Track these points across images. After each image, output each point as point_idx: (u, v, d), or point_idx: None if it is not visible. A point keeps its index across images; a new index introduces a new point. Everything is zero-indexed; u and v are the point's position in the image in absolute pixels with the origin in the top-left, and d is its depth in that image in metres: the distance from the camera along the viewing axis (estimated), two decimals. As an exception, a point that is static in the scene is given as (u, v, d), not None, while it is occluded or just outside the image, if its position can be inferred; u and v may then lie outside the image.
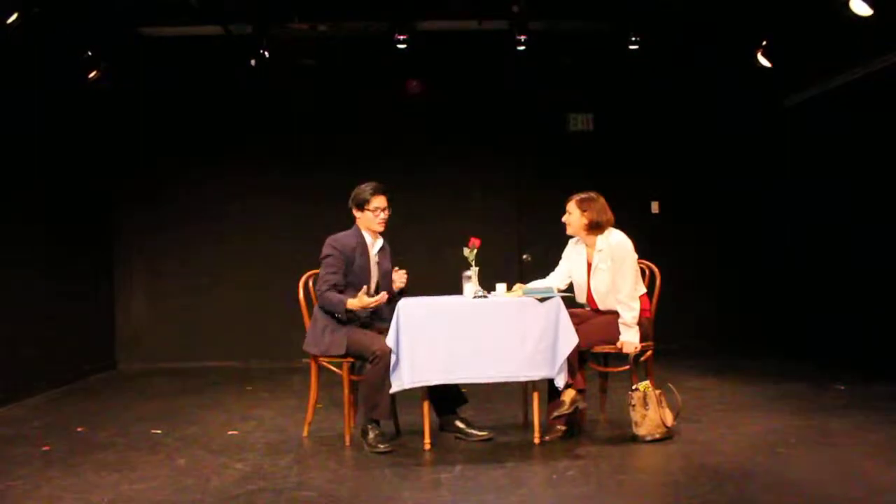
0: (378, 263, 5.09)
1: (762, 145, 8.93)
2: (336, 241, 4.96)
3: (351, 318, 4.91)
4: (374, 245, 5.08)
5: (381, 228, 5.05)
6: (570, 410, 4.78)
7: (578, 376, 4.84)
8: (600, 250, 5.04)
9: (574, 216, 5.10)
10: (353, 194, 5.05)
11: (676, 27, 7.96)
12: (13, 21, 6.06)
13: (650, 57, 8.27)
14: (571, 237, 5.24)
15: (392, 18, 7.69)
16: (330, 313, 4.91)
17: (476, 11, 7.92)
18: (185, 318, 8.70)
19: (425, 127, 8.81)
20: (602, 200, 5.10)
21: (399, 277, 5.10)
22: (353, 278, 4.94)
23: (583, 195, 5.12)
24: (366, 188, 5.02)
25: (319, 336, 4.93)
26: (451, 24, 8.21)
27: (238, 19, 7.69)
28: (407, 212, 8.62)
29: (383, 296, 4.82)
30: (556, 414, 4.79)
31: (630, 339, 4.93)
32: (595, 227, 5.06)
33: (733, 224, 8.96)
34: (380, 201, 4.99)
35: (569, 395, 4.77)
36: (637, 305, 4.97)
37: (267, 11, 7.58)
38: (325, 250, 4.94)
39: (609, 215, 5.09)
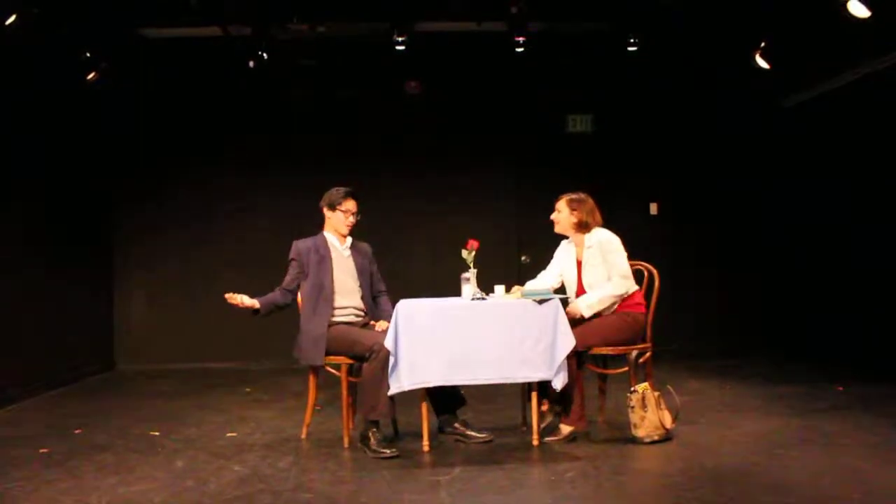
0: (351, 259, 5.21)
1: (762, 145, 8.92)
2: (296, 244, 5.20)
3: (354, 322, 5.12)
4: (343, 245, 5.22)
5: (346, 231, 5.20)
6: (547, 422, 4.92)
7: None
8: (589, 247, 5.09)
9: (563, 214, 5.15)
10: (325, 196, 5.24)
11: (676, 27, 7.94)
12: (12, 22, 6.06)
13: (650, 57, 8.26)
14: (564, 237, 5.27)
15: (391, 19, 7.68)
16: (311, 321, 5.04)
17: (475, 12, 7.91)
18: (183, 319, 8.70)
19: (424, 128, 8.81)
20: (592, 202, 5.16)
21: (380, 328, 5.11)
22: (313, 278, 5.10)
23: (573, 195, 5.17)
24: (340, 190, 5.22)
25: (302, 341, 5.02)
26: (451, 25, 8.19)
27: (237, 20, 7.68)
28: (405, 213, 8.68)
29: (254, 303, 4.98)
30: (547, 440, 4.85)
31: (581, 307, 4.95)
32: (583, 227, 5.10)
33: (733, 224, 8.95)
34: (351, 205, 5.18)
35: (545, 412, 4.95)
36: (622, 291, 4.98)
37: (266, 12, 7.57)
38: (290, 254, 5.20)
39: (597, 217, 5.15)
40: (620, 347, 5.00)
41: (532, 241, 8.59)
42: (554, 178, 8.30)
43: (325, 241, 5.20)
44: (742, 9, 7.24)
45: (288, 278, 5.16)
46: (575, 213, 5.11)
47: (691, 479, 4.06)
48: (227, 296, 4.91)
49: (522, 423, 5.25)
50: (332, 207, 5.18)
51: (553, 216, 5.21)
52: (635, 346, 5.04)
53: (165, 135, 8.74)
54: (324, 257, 5.12)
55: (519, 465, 4.44)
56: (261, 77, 8.09)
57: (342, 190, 5.22)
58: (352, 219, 5.19)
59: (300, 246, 5.18)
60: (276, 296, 5.12)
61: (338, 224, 5.19)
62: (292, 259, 5.16)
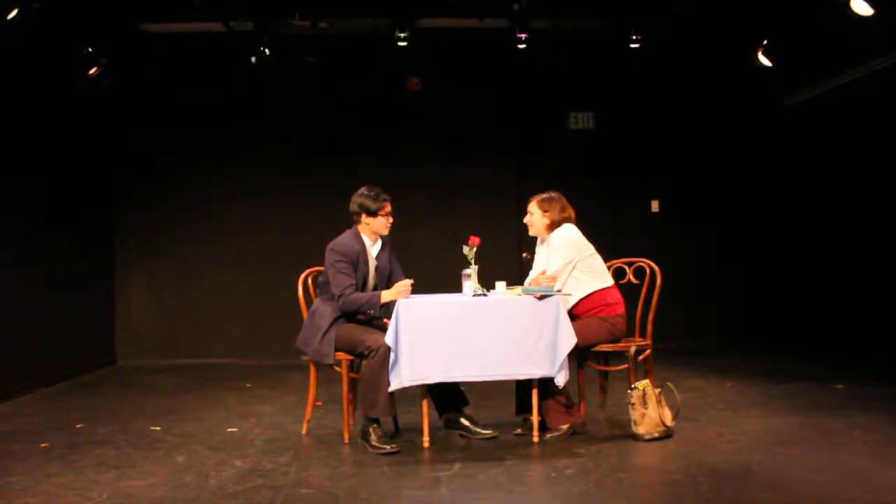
0: (377, 260, 5.10)
1: (762, 145, 8.93)
2: (340, 245, 4.95)
3: (371, 317, 5.01)
4: (374, 247, 5.09)
5: (386, 233, 5.07)
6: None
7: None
8: (545, 241, 5.12)
9: (535, 217, 5.13)
10: (359, 201, 5.00)
11: (677, 26, 7.95)
12: (13, 17, 6.05)
13: (651, 55, 8.26)
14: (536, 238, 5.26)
15: (393, 15, 7.68)
16: (327, 319, 4.90)
17: (477, 9, 7.91)
18: (184, 315, 8.71)
19: (426, 124, 8.81)
20: (563, 200, 5.13)
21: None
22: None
23: (543, 196, 5.15)
24: (376, 194, 5.00)
25: (312, 338, 4.95)
26: (452, 21, 8.20)
27: (239, 16, 7.68)
28: (407, 210, 8.63)
29: (410, 281, 4.88)
30: (548, 437, 4.84)
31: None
32: (555, 227, 5.09)
33: (733, 224, 8.96)
34: (389, 207, 5.03)
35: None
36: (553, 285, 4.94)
37: (268, 8, 7.57)
38: (333, 257, 4.92)
39: (569, 213, 5.12)
40: (608, 346, 5.04)
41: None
42: (555, 175, 8.31)
43: (363, 243, 5.00)
44: (744, 6, 7.24)
45: (354, 279, 4.89)
46: (547, 213, 5.09)
47: (691, 477, 4.06)
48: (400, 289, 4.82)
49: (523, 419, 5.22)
50: (373, 213, 4.96)
51: (525, 219, 5.18)
52: (632, 342, 5.07)
53: (165, 133, 8.72)
54: (364, 262, 4.98)
55: (519, 462, 4.44)
56: (261, 74, 8.08)
57: (379, 193, 5.00)
58: (391, 220, 5.04)
59: (346, 246, 4.93)
60: (374, 293, 4.95)
61: (378, 228, 5.00)
62: (339, 261, 4.88)
